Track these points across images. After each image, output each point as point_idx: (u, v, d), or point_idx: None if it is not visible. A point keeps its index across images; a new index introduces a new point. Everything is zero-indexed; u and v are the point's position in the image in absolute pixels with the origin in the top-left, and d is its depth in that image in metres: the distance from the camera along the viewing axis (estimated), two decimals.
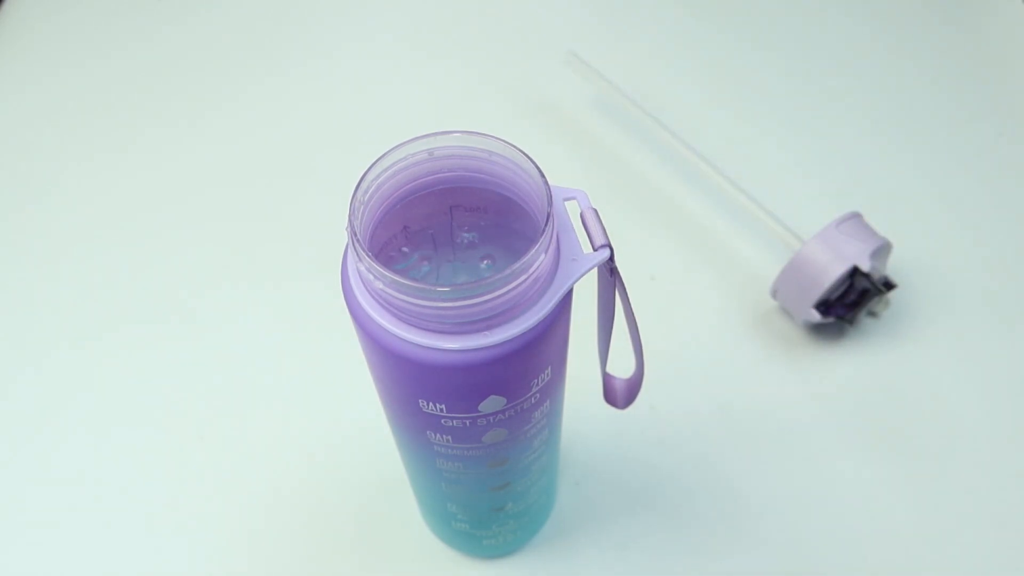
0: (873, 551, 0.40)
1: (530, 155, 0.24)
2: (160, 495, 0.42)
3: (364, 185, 0.23)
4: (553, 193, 0.24)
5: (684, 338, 0.46)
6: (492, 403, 0.25)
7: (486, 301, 0.22)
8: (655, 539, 0.40)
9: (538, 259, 0.22)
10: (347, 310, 0.24)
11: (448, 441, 0.27)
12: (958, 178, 0.53)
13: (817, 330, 0.47)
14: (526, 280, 0.22)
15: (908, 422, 0.44)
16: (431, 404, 0.25)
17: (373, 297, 0.23)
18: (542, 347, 0.24)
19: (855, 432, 0.43)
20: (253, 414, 0.44)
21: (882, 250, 0.44)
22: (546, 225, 0.22)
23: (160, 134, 0.56)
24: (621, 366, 0.31)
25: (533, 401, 0.27)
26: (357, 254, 0.22)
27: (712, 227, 0.51)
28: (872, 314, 0.46)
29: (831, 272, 0.43)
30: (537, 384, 0.26)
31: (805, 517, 0.41)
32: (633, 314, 0.27)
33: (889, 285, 0.44)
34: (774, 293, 0.46)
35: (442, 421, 0.26)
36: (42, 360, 0.47)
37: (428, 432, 0.27)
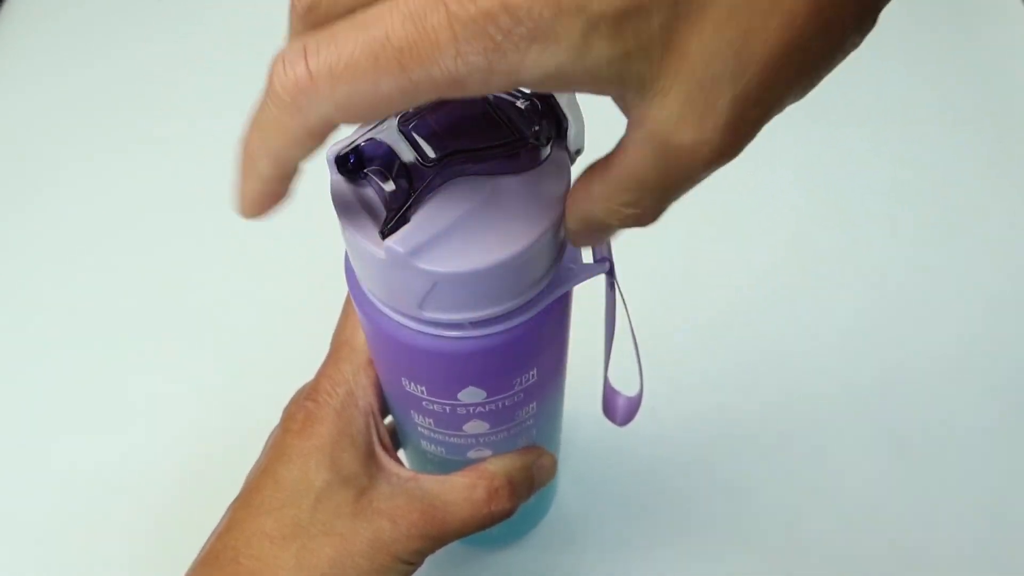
0: (875, 552, 0.40)
1: None
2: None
3: None
4: None
5: (684, 337, 0.46)
6: (471, 394, 0.25)
7: None
8: (655, 537, 0.40)
9: None
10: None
11: (430, 424, 0.27)
12: (958, 178, 0.53)
13: None
14: None
15: (909, 417, 0.43)
16: (413, 384, 0.25)
17: None
18: (524, 347, 0.24)
19: (856, 431, 0.43)
20: (249, 401, 0.44)
21: None
22: None
23: (161, 134, 0.56)
24: (625, 377, 0.30)
25: (516, 400, 0.26)
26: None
27: (712, 227, 0.51)
28: None
29: None
30: (520, 383, 0.26)
31: (805, 517, 0.41)
32: (634, 332, 0.27)
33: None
34: None
35: (423, 403, 0.26)
36: (43, 359, 0.47)
37: (412, 412, 0.27)
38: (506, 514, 0.29)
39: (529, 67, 0.16)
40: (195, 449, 0.43)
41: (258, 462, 0.29)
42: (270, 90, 0.17)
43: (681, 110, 0.16)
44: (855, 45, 0.17)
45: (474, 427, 0.27)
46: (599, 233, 0.21)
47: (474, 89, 0.16)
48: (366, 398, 0.28)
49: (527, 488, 0.30)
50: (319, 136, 0.18)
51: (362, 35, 0.16)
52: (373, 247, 0.20)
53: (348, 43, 0.16)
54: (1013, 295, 0.48)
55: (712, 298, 0.48)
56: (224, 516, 0.29)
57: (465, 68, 0.16)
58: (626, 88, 0.17)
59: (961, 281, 0.48)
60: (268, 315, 0.48)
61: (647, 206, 0.19)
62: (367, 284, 0.23)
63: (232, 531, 0.27)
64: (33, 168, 0.55)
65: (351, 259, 0.23)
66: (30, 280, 0.50)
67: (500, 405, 0.26)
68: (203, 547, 0.28)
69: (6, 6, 0.63)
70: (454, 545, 0.40)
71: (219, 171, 0.54)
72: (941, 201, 0.52)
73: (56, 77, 0.59)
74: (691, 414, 0.44)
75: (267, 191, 0.19)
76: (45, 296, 0.50)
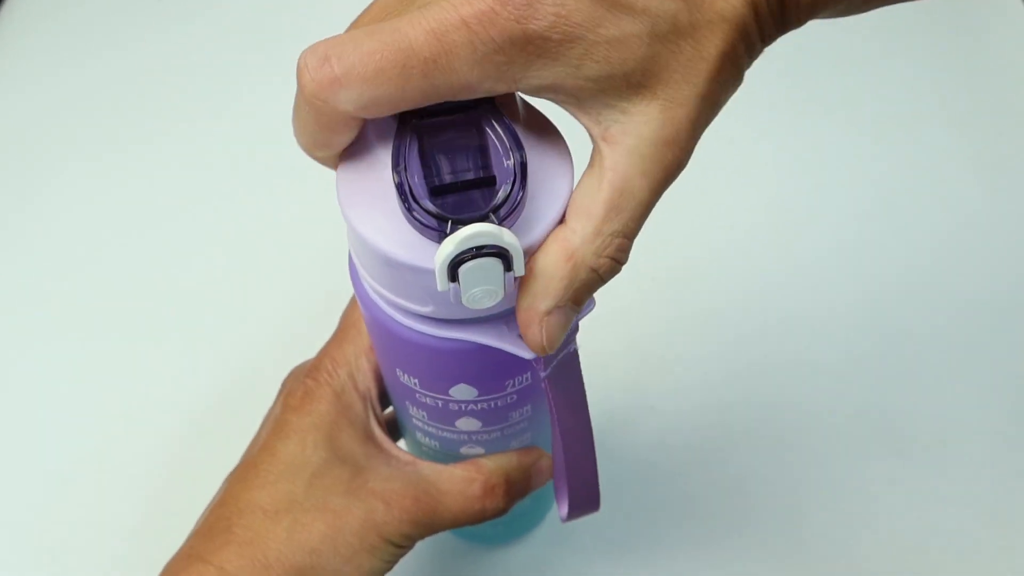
0: (878, 552, 0.40)
1: None
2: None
3: None
4: None
5: (684, 335, 0.46)
6: (462, 391, 0.25)
7: None
8: (655, 537, 0.40)
9: None
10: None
11: (424, 417, 0.27)
12: (958, 177, 0.53)
13: None
14: None
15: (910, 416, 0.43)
16: (406, 376, 0.25)
17: None
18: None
19: (858, 430, 0.43)
20: (247, 391, 0.43)
21: None
22: None
23: (161, 133, 0.56)
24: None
25: (509, 401, 0.26)
26: None
27: (713, 224, 0.50)
28: None
29: None
30: (513, 385, 0.26)
31: (807, 516, 0.41)
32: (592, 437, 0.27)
33: None
34: None
35: (417, 396, 0.26)
36: (42, 355, 0.47)
37: (407, 403, 0.27)
38: (499, 512, 0.29)
39: (530, 78, 0.19)
40: (192, 440, 0.44)
41: (256, 436, 0.30)
42: (299, 88, 0.19)
43: (662, 112, 0.19)
44: (750, 62, 0.21)
45: (466, 424, 0.27)
46: (578, 302, 0.21)
47: (479, 94, 0.19)
48: (365, 382, 0.29)
49: (523, 489, 0.30)
50: (347, 128, 0.20)
51: (391, 44, 0.18)
52: (369, 237, 0.21)
53: (377, 52, 0.18)
54: (1013, 293, 0.47)
55: (712, 295, 0.48)
56: (220, 488, 0.29)
57: (479, 78, 0.19)
58: (609, 101, 0.19)
59: (961, 280, 0.48)
60: (270, 311, 0.48)
61: (633, 229, 0.20)
62: (363, 274, 0.23)
63: (227, 503, 0.28)
64: (33, 168, 0.55)
65: (351, 248, 0.23)
66: (30, 279, 0.50)
67: (492, 405, 0.26)
68: (199, 519, 0.29)
69: (6, 6, 0.63)
70: (455, 543, 0.40)
71: (219, 170, 0.55)
72: (942, 201, 0.52)
73: (56, 77, 0.59)
74: (691, 413, 0.43)
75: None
76: (45, 294, 0.50)
